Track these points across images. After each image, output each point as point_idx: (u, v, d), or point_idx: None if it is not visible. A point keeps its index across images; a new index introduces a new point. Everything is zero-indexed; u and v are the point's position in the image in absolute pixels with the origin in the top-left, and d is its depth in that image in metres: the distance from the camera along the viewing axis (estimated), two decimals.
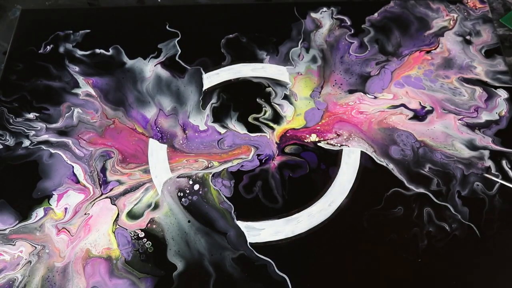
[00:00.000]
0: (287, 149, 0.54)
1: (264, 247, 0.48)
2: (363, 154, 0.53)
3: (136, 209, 0.50)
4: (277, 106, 0.57)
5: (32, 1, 0.68)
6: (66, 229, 0.49)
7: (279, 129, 0.55)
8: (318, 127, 0.55)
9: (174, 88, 0.58)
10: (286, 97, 0.57)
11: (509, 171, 0.51)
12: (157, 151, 0.54)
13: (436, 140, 0.53)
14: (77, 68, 0.60)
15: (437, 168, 0.51)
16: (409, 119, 0.55)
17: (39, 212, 0.50)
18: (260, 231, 0.49)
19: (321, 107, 0.56)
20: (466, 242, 0.47)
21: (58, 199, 0.51)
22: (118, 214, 0.50)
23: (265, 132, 0.55)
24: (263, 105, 0.57)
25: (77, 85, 0.59)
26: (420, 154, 0.52)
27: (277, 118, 0.56)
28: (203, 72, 0.59)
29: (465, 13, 0.63)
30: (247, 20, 0.64)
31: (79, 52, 0.62)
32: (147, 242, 0.48)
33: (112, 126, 0.56)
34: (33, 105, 0.57)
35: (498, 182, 0.49)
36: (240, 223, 0.49)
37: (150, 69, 0.60)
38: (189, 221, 0.49)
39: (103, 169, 0.53)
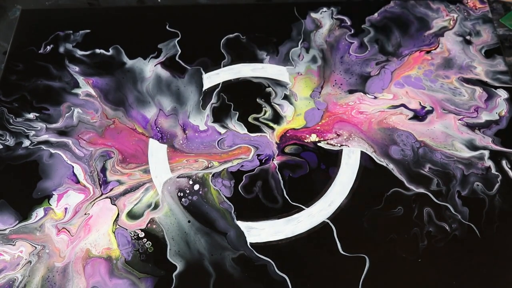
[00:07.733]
0: (287, 149, 0.54)
1: (264, 247, 0.48)
2: (363, 154, 0.53)
3: (136, 209, 0.50)
4: (277, 106, 0.57)
5: (32, 1, 0.68)
6: (66, 229, 0.49)
7: (279, 129, 0.55)
8: (318, 127, 0.55)
9: (174, 88, 0.58)
10: (286, 97, 0.57)
11: (509, 171, 0.51)
12: (157, 151, 0.54)
13: (436, 140, 0.53)
14: (77, 68, 0.60)
15: (437, 168, 0.51)
16: (409, 119, 0.55)
17: (39, 212, 0.50)
18: (260, 231, 0.49)
19: (321, 107, 0.56)
20: (466, 242, 0.47)
21: (58, 199, 0.51)
22: (118, 214, 0.50)
23: (265, 132, 0.55)
24: (263, 105, 0.57)
25: (77, 85, 0.59)
26: (420, 154, 0.52)
27: (277, 118, 0.56)
28: (203, 72, 0.59)
29: (465, 13, 0.63)
30: (247, 20, 0.64)
31: (79, 52, 0.62)
32: (147, 242, 0.48)
33: (112, 126, 0.56)
34: (33, 105, 0.57)
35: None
36: (240, 223, 0.49)
37: (150, 69, 0.60)
38: (189, 221, 0.49)
39: (103, 169, 0.53)
